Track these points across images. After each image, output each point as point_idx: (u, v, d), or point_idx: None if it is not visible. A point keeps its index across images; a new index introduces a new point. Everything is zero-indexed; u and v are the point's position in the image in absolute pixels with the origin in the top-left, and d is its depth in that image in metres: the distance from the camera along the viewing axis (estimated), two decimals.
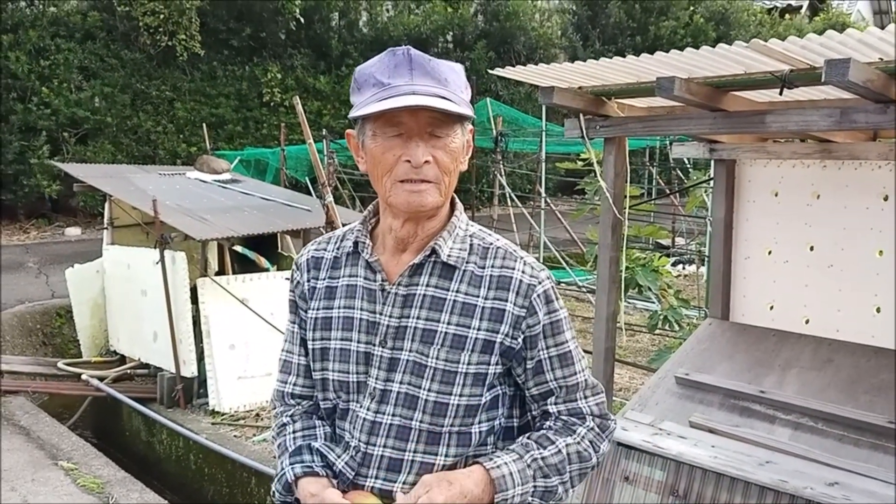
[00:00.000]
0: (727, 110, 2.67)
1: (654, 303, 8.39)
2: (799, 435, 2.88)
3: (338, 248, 1.67)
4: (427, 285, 1.56)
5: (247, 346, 6.47)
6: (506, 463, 1.51)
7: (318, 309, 1.64)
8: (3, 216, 15.76)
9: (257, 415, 6.34)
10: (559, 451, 1.55)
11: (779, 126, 2.53)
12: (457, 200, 1.63)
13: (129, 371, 7.41)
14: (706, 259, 9.65)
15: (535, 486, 1.51)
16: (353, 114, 1.51)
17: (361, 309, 1.59)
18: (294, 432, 1.66)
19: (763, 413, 3.02)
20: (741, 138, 3.38)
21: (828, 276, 3.23)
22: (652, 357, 6.95)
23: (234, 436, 5.96)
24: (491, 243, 1.60)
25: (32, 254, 13.26)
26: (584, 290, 10.35)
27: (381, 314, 1.57)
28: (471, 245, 1.58)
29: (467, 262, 1.56)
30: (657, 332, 7.76)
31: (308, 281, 1.67)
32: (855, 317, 3.15)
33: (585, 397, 1.62)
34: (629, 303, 8.32)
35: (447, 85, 1.48)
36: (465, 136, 1.55)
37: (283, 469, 1.61)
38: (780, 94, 2.52)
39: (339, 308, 1.61)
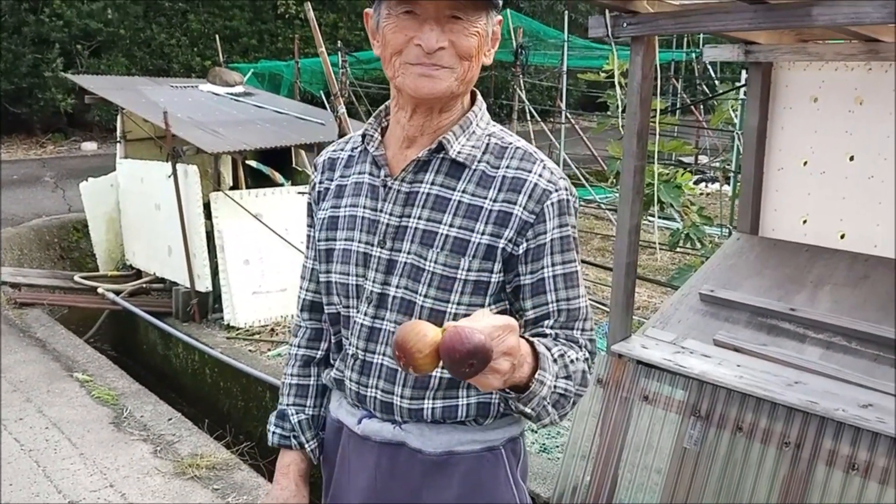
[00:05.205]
0: (769, 2, 2.45)
1: (675, 220, 8.22)
2: (831, 354, 2.75)
3: (353, 147, 1.54)
4: (432, 183, 1.41)
5: (261, 262, 6.40)
6: (543, 344, 1.33)
7: (326, 209, 1.52)
8: (19, 130, 15.69)
9: (272, 330, 6.32)
10: (574, 360, 1.38)
11: (826, 19, 2.30)
12: (478, 95, 1.46)
13: (144, 285, 7.39)
14: (730, 176, 9.41)
15: (555, 386, 1.32)
16: None
17: (364, 207, 1.46)
18: (291, 376, 1.67)
19: (793, 332, 2.88)
20: (780, 38, 3.15)
21: (867, 187, 3.04)
22: (673, 275, 6.81)
23: (249, 350, 5.95)
24: (510, 143, 1.43)
25: (49, 168, 13.25)
26: (603, 207, 10.18)
27: (381, 212, 1.43)
28: (487, 144, 1.42)
29: (479, 161, 1.41)
30: (678, 250, 7.61)
31: (321, 183, 1.56)
32: (894, 231, 2.97)
33: (583, 329, 1.44)
34: (648, 220, 8.14)
35: None
36: (490, 26, 1.37)
37: (270, 423, 1.66)
38: None
39: (345, 207, 1.49)
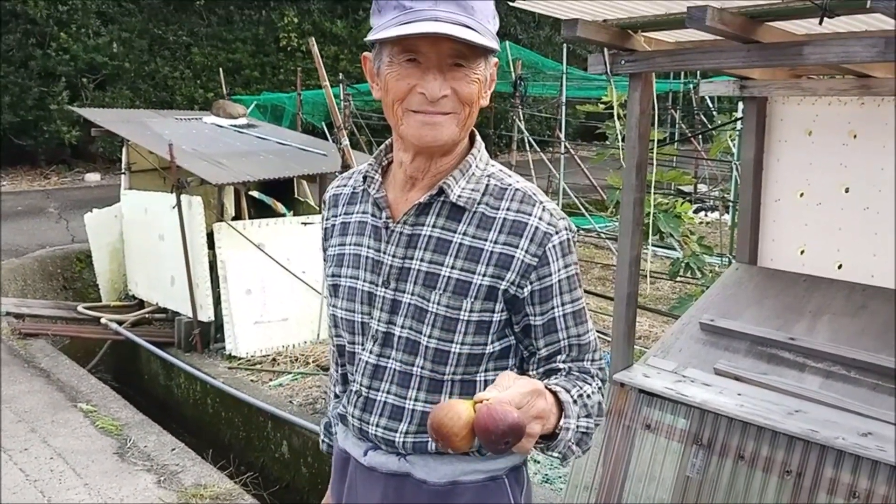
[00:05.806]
0: (762, 42, 2.51)
1: (675, 250, 8.27)
2: (830, 383, 2.78)
3: (355, 184, 1.59)
4: (433, 226, 1.45)
5: (263, 292, 6.44)
6: (565, 389, 1.38)
7: (333, 245, 1.58)
8: (24, 162, 15.80)
9: (273, 359, 6.34)
10: (590, 394, 1.44)
11: (818, 58, 2.37)
12: (477, 136, 1.51)
13: (147, 315, 7.43)
14: (730, 205, 9.48)
15: (578, 426, 1.38)
16: (370, 37, 1.39)
17: (368, 247, 1.51)
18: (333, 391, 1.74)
19: (792, 361, 2.91)
20: (774, 74, 3.22)
21: (863, 218, 3.09)
22: (673, 304, 6.84)
23: (251, 380, 5.97)
24: (510, 184, 1.47)
25: (53, 199, 13.33)
26: (603, 237, 10.23)
27: (384, 253, 1.48)
28: (487, 185, 1.46)
29: (479, 203, 1.45)
30: (678, 279, 7.64)
31: (328, 220, 1.61)
32: (891, 261, 3.01)
33: (593, 360, 1.51)
34: (649, 249, 8.19)
35: (473, 13, 1.34)
36: (488, 70, 1.41)
37: (321, 430, 1.82)
38: (820, 23, 2.35)
39: (350, 245, 1.54)
